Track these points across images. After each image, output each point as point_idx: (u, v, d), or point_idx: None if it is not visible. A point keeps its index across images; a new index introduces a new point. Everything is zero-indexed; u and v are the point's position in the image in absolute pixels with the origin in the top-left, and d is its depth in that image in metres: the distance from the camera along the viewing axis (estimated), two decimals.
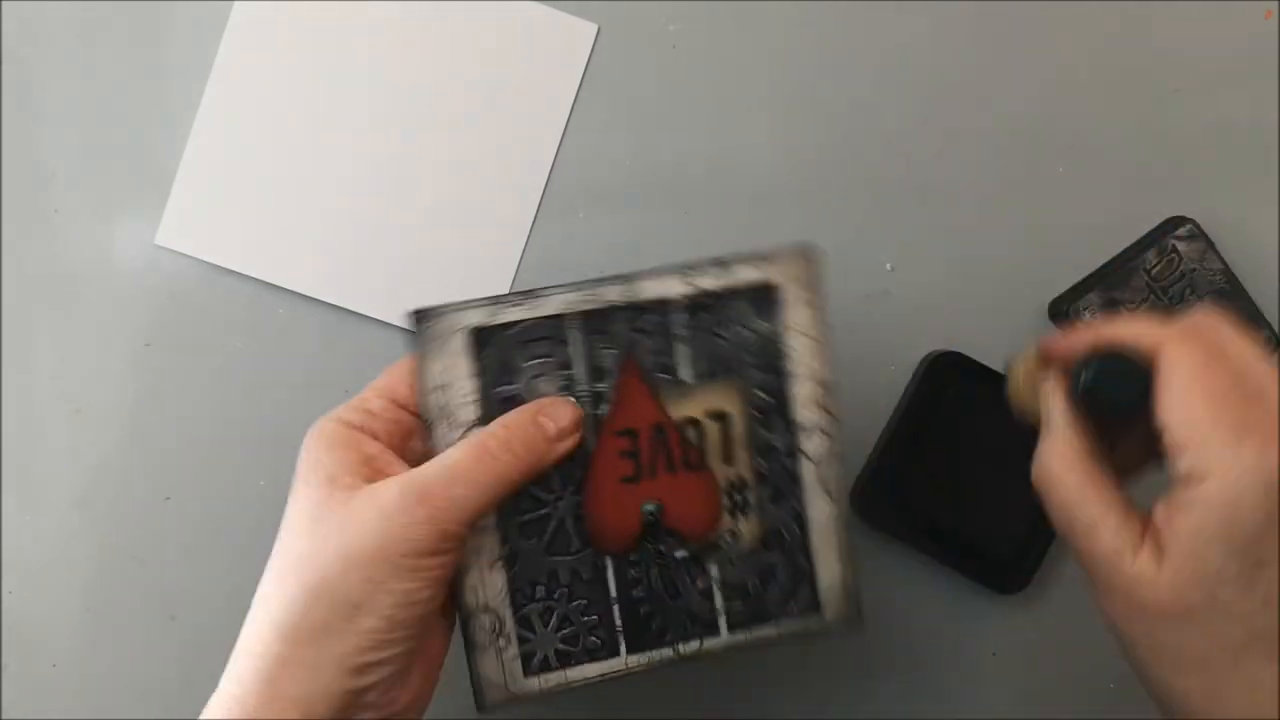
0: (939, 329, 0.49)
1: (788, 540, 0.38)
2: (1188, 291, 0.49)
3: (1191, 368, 0.32)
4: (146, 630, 0.48)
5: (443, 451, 0.35)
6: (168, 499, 0.49)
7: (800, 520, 0.38)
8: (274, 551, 0.35)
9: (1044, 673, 0.50)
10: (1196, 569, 0.31)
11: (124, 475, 0.49)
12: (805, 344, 0.38)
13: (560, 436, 0.36)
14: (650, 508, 0.37)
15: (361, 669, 0.32)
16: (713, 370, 0.37)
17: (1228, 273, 0.49)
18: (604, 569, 0.37)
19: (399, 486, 0.33)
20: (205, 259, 0.49)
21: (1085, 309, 0.49)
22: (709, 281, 0.37)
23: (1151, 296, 0.49)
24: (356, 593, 0.32)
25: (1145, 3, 0.51)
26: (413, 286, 0.49)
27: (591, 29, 0.49)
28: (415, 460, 0.36)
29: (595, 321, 0.36)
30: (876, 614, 0.49)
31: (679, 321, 0.37)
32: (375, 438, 0.36)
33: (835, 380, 0.38)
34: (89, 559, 0.48)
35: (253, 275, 0.49)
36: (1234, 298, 0.49)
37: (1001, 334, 0.50)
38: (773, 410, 0.38)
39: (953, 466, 0.48)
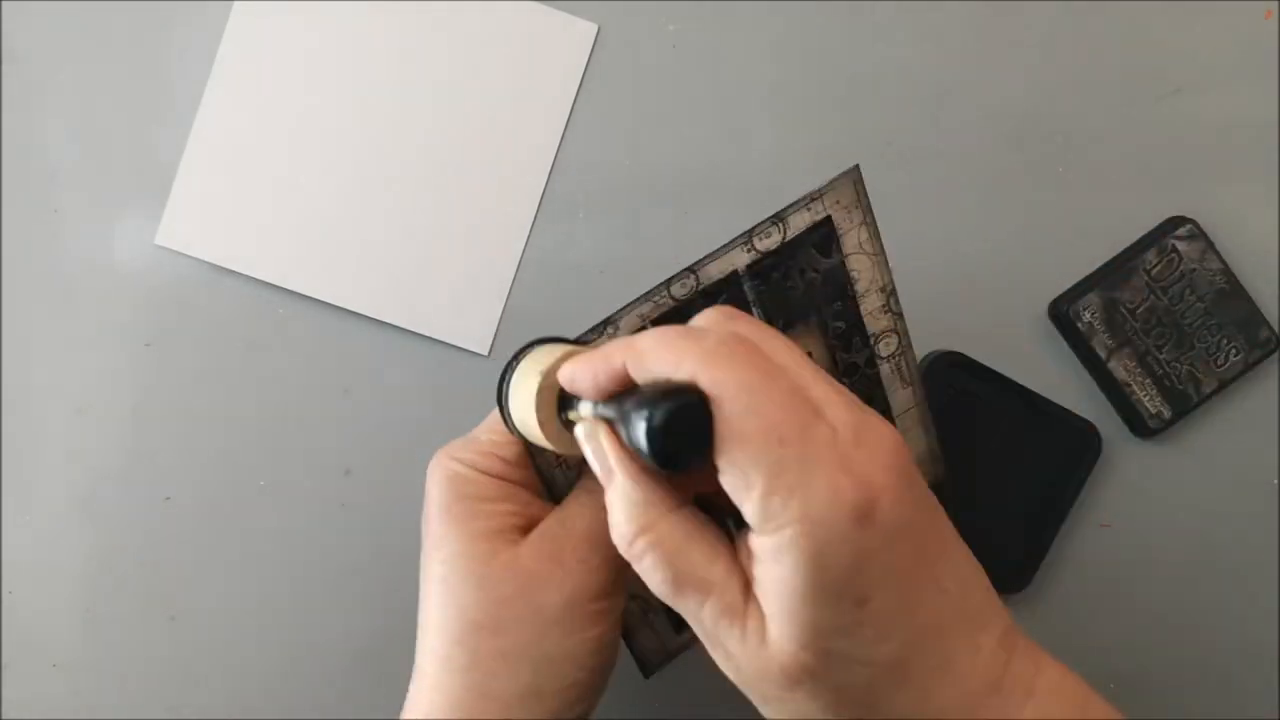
0: (939, 329, 0.49)
1: None
2: (1187, 291, 0.49)
3: (742, 400, 0.27)
4: (146, 630, 0.48)
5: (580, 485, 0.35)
6: (168, 499, 0.49)
7: (887, 413, 0.39)
8: (439, 611, 0.34)
9: None
10: (800, 629, 0.28)
11: (124, 475, 0.49)
12: (865, 261, 0.38)
13: None
14: None
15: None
16: (789, 320, 0.38)
17: (1228, 273, 0.49)
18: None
19: (564, 535, 0.33)
20: (205, 259, 0.49)
21: (1085, 309, 0.49)
22: (769, 241, 0.37)
23: (1151, 296, 0.49)
24: (558, 651, 0.32)
25: (1145, 3, 0.50)
26: (413, 286, 0.49)
27: (591, 29, 0.49)
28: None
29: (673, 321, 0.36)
30: None
31: (749, 288, 0.37)
32: (521, 485, 0.35)
33: (894, 283, 0.38)
34: (89, 559, 0.48)
35: (253, 275, 0.49)
36: (1234, 298, 0.49)
37: (1001, 334, 0.50)
38: (848, 333, 0.38)
39: (953, 466, 0.48)
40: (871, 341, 0.39)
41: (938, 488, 0.36)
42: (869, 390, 0.39)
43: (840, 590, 0.27)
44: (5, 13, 0.49)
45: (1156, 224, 0.50)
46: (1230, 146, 0.51)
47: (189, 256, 0.49)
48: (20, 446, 0.48)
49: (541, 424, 0.31)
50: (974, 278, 0.50)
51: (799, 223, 0.37)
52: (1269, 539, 0.50)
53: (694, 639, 0.37)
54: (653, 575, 0.29)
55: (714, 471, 0.28)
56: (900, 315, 0.39)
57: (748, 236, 0.37)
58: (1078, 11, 0.50)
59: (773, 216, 0.37)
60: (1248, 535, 0.50)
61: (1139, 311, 0.49)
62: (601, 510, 0.33)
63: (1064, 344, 0.50)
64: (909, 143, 0.50)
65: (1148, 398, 0.49)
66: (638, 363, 0.29)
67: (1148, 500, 0.50)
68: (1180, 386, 0.49)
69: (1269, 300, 0.50)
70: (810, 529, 0.27)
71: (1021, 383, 0.49)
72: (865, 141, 0.50)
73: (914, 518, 0.29)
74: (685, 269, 0.36)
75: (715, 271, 0.37)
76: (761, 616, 0.28)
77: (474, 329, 0.49)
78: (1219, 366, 0.49)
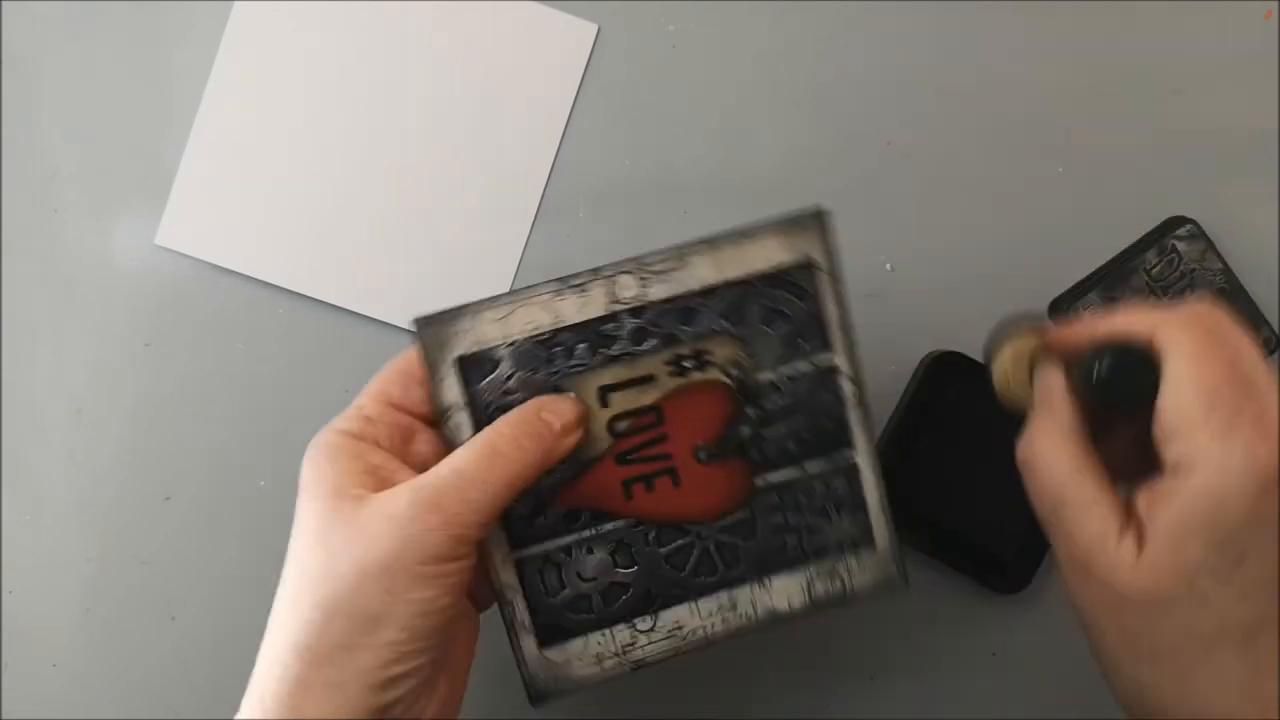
0: (939, 329, 0.49)
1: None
2: (1188, 291, 0.49)
3: (1189, 357, 0.32)
4: (146, 630, 0.48)
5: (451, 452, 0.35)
6: (168, 499, 0.49)
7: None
8: (285, 570, 0.35)
9: (1044, 673, 0.50)
10: (1177, 559, 0.31)
11: (124, 475, 0.49)
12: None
13: (566, 431, 0.35)
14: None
15: (386, 684, 0.32)
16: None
17: (1228, 273, 0.49)
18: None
19: (410, 494, 0.33)
20: (205, 259, 0.49)
21: (1085, 309, 0.49)
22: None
23: (1151, 297, 0.49)
24: (375, 606, 0.32)
25: (1145, 3, 0.51)
26: (413, 286, 0.49)
27: (591, 29, 0.49)
28: (419, 463, 0.35)
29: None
30: (876, 614, 0.49)
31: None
32: (378, 444, 0.35)
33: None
34: (89, 559, 0.48)
35: (253, 275, 0.49)
36: (1234, 298, 0.49)
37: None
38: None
39: (953, 467, 0.48)
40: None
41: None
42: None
43: (1226, 539, 0.31)
44: (5, 13, 0.49)
45: (1156, 224, 0.50)
46: (1230, 146, 0.51)
47: (189, 256, 0.49)
48: (20, 446, 0.48)
49: (1018, 379, 0.37)
50: (974, 278, 0.50)
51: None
52: None
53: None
54: (1042, 486, 0.35)
55: (1125, 433, 0.35)
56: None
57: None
58: (1078, 12, 0.50)
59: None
60: None
61: (1137, 301, 0.49)
62: (457, 475, 0.33)
63: (1055, 321, 0.50)
64: (909, 143, 0.50)
65: None
66: (1118, 320, 0.35)
67: None
68: None
69: (1269, 300, 0.50)
70: (1222, 476, 0.31)
71: None
72: (865, 141, 0.50)
73: None
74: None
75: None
76: (1137, 544, 0.32)
77: None
78: None
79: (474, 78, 0.49)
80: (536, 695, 0.37)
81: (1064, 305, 0.49)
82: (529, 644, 0.37)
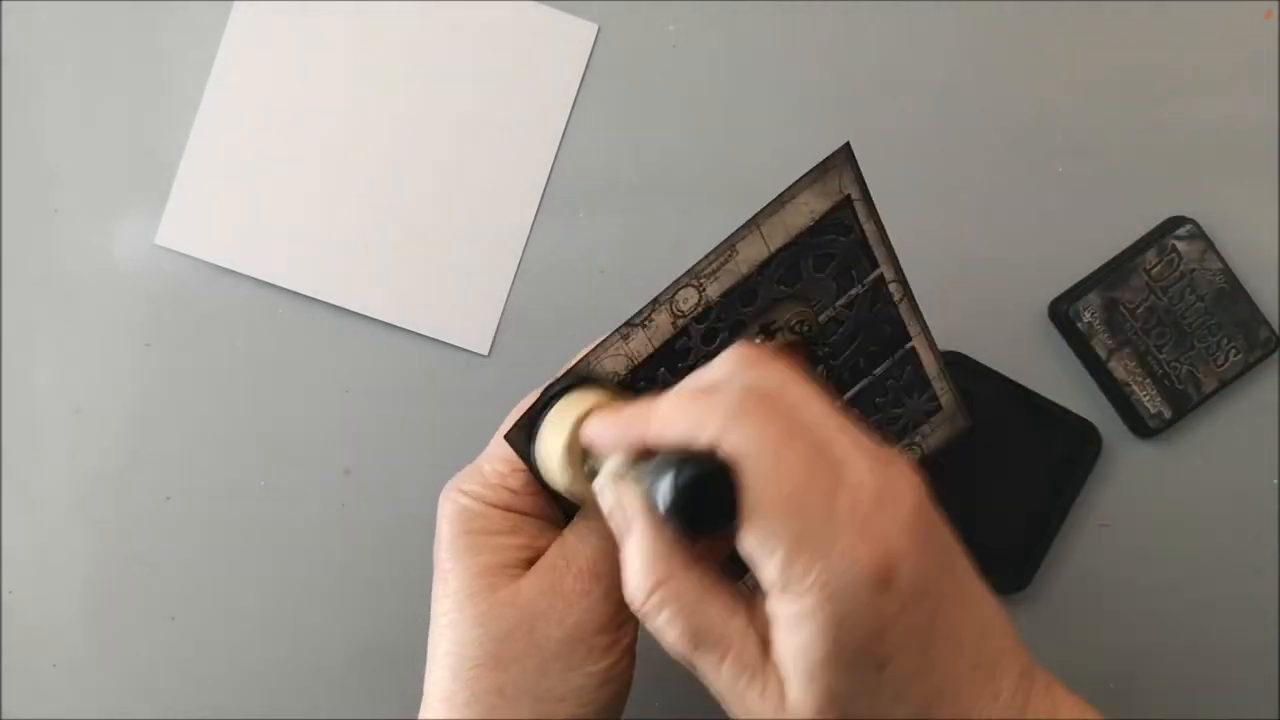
0: (939, 329, 0.49)
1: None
2: (1188, 291, 0.49)
3: (762, 466, 0.27)
4: (146, 630, 0.48)
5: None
6: (168, 499, 0.49)
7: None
8: (441, 649, 0.33)
9: None
10: (819, 694, 0.28)
11: (124, 475, 0.49)
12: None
13: None
14: None
15: None
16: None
17: (1228, 273, 0.49)
18: None
19: (565, 567, 0.33)
20: (205, 259, 0.49)
21: (1085, 309, 0.49)
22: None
23: (1151, 296, 0.49)
24: (559, 686, 0.32)
25: (1145, 3, 0.50)
26: (413, 286, 0.49)
27: (591, 29, 0.49)
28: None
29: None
30: None
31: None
32: (526, 513, 0.35)
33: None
34: (89, 559, 0.48)
35: (253, 275, 0.49)
36: (1234, 298, 0.49)
37: (1001, 334, 0.50)
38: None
39: (953, 466, 0.48)
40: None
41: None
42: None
43: (859, 656, 0.28)
44: (5, 12, 0.49)
45: (1156, 224, 0.50)
46: (1230, 146, 0.51)
47: (189, 256, 0.49)
48: (20, 446, 0.48)
49: (569, 479, 0.32)
50: (974, 278, 0.50)
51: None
52: (1269, 539, 0.50)
53: None
54: (669, 630, 0.29)
55: (730, 536, 0.28)
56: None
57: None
58: (1078, 12, 0.50)
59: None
60: (1248, 535, 0.50)
61: (1139, 311, 0.49)
62: (603, 539, 0.33)
63: (1064, 344, 0.50)
64: (909, 142, 0.50)
65: (1148, 398, 0.49)
66: (659, 429, 0.29)
67: (1148, 500, 0.50)
68: (1180, 386, 0.49)
69: (1269, 300, 0.50)
70: (830, 597, 0.27)
71: (1021, 383, 0.49)
72: (865, 141, 0.50)
73: (934, 575, 0.29)
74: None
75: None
76: (779, 678, 0.28)
77: (474, 329, 0.49)
78: (1219, 366, 0.49)
79: (474, 77, 0.49)
80: None
81: (1064, 305, 0.49)
82: None
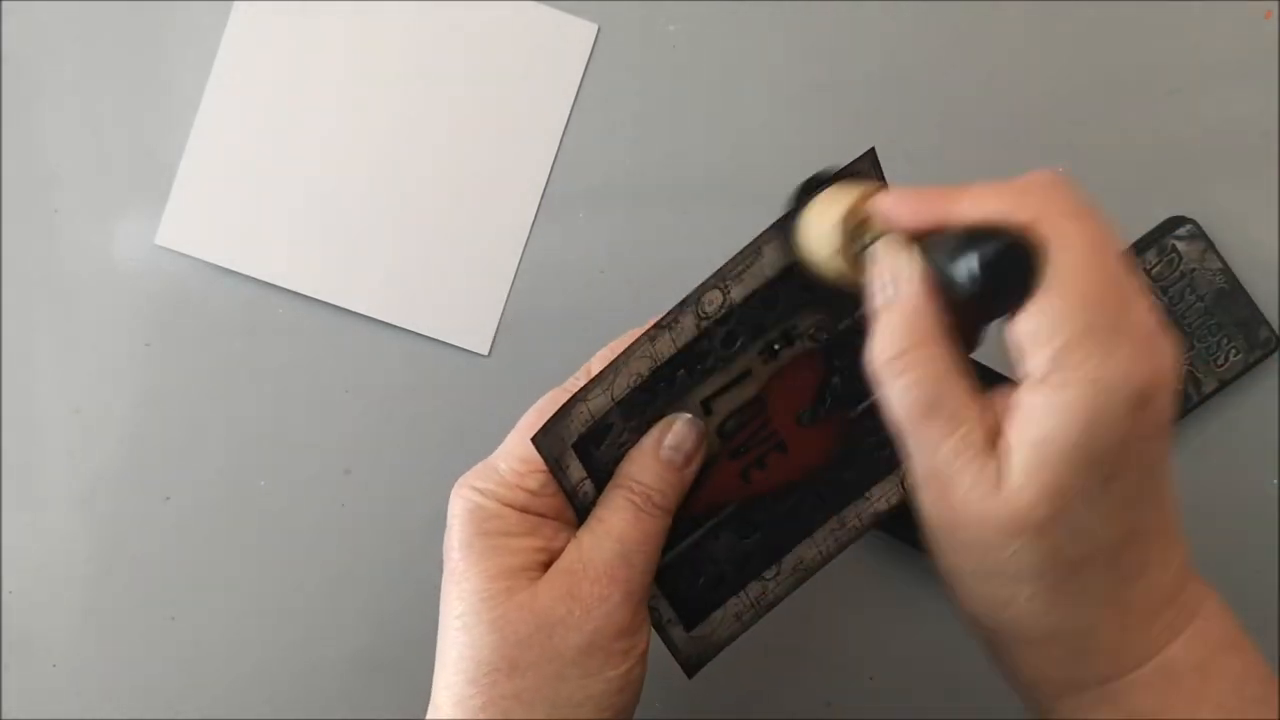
0: None
1: None
2: (1187, 291, 0.49)
3: (1076, 258, 0.28)
4: (146, 630, 0.48)
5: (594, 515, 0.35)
6: (168, 499, 0.49)
7: None
8: (455, 651, 0.33)
9: None
10: (1043, 484, 0.28)
11: (124, 475, 0.49)
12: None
13: (688, 461, 0.35)
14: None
15: None
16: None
17: (1228, 273, 0.49)
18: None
19: (582, 571, 0.33)
20: (205, 259, 0.49)
21: None
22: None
23: (1151, 296, 0.49)
24: (578, 693, 0.32)
25: (1145, 3, 0.50)
26: (413, 286, 0.49)
27: (591, 29, 0.49)
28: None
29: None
30: (876, 614, 0.49)
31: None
32: (542, 515, 0.34)
33: None
34: (89, 559, 0.48)
35: (253, 275, 0.49)
36: (1234, 298, 0.49)
37: (1002, 334, 0.50)
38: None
39: None
40: None
41: None
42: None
43: (1098, 459, 0.28)
44: (5, 12, 0.49)
45: (1156, 224, 0.50)
46: (1230, 146, 0.51)
47: (189, 256, 0.49)
48: (20, 446, 0.48)
49: (840, 249, 0.32)
50: None
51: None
52: (1269, 539, 0.50)
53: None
54: (908, 394, 0.30)
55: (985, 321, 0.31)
56: None
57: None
58: (1078, 12, 0.50)
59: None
60: (1248, 535, 0.50)
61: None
62: (617, 541, 0.33)
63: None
64: (909, 142, 0.50)
65: None
66: (972, 204, 0.30)
67: None
68: (1180, 386, 0.49)
69: (1269, 300, 0.50)
70: (1096, 393, 0.28)
71: None
72: (865, 141, 0.50)
73: (1170, 421, 0.30)
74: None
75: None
76: (1001, 466, 0.29)
77: (474, 329, 0.49)
78: (1219, 366, 0.49)
79: (474, 77, 0.49)
80: (692, 669, 0.38)
81: None
82: (678, 633, 0.38)
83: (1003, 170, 0.50)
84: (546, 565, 0.34)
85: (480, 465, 0.35)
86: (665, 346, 0.35)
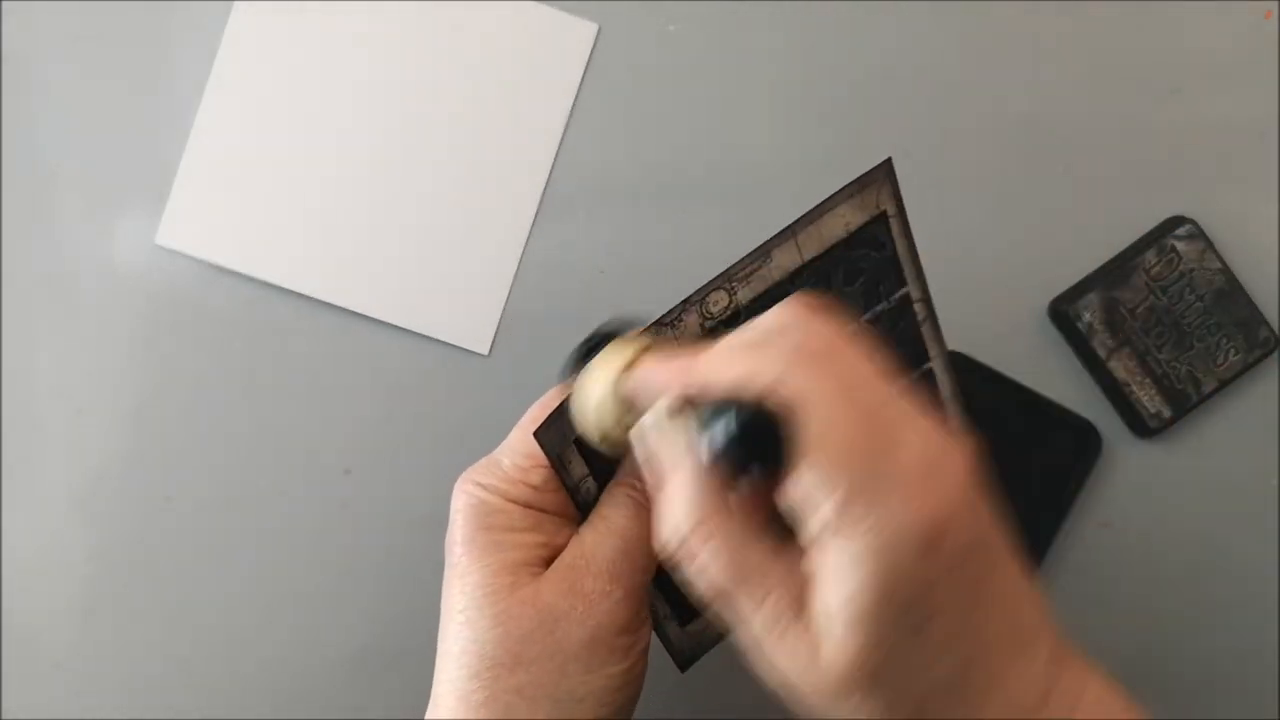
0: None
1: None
2: (1187, 291, 0.49)
3: (822, 413, 0.27)
4: (146, 630, 0.48)
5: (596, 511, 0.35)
6: (168, 499, 0.49)
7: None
8: (457, 646, 0.33)
9: None
10: (859, 643, 0.27)
11: (124, 475, 0.49)
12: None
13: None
14: None
15: None
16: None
17: (1228, 273, 0.49)
18: None
19: (585, 567, 0.33)
20: (205, 259, 0.49)
21: (1085, 309, 0.49)
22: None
23: (1151, 296, 0.49)
24: (579, 689, 0.32)
25: (1145, 3, 0.50)
26: (413, 286, 0.49)
27: (591, 29, 0.49)
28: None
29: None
30: None
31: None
32: (545, 510, 0.34)
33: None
34: (89, 559, 0.48)
35: (253, 275, 0.49)
36: (1233, 298, 0.49)
37: (1001, 334, 0.50)
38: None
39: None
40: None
41: None
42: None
43: (903, 611, 0.27)
44: (5, 12, 0.49)
45: (1156, 224, 0.50)
46: (1230, 146, 0.51)
47: (189, 256, 0.49)
48: (20, 446, 0.48)
49: (610, 424, 0.32)
50: (974, 278, 0.50)
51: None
52: (1269, 539, 0.50)
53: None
54: (713, 564, 0.29)
55: (770, 487, 0.28)
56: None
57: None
58: (1078, 12, 0.50)
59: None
60: (1248, 535, 0.50)
61: (1139, 311, 0.49)
62: (620, 538, 0.33)
63: (1064, 344, 0.50)
64: (909, 143, 0.50)
65: (1147, 397, 0.49)
66: (713, 372, 0.29)
67: (1148, 500, 0.50)
68: (1180, 386, 0.49)
69: (1269, 300, 0.50)
70: (882, 547, 0.27)
71: (1021, 383, 0.49)
72: (865, 141, 0.50)
73: (978, 543, 0.29)
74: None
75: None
76: (815, 632, 0.28)
77: (474, 329, 0.49)
78: (1219, 366, 0.49)
79: (474, 77, 0.49)
80: (685, 663, 0.38)
81: (1064, 305, 0.49)
82: (673, 628, 0.38)
83: (1001, 170, 0.50)
84: (549, 561, 0.34)
85: (483, 461, 0.35)
86: (667, 345, 0.35)
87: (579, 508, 0.36)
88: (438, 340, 0.49)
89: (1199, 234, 0.49)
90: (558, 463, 0.34)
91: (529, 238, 0.49)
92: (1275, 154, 0.51)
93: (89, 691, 0.48)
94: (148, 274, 0.49)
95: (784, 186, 0.50)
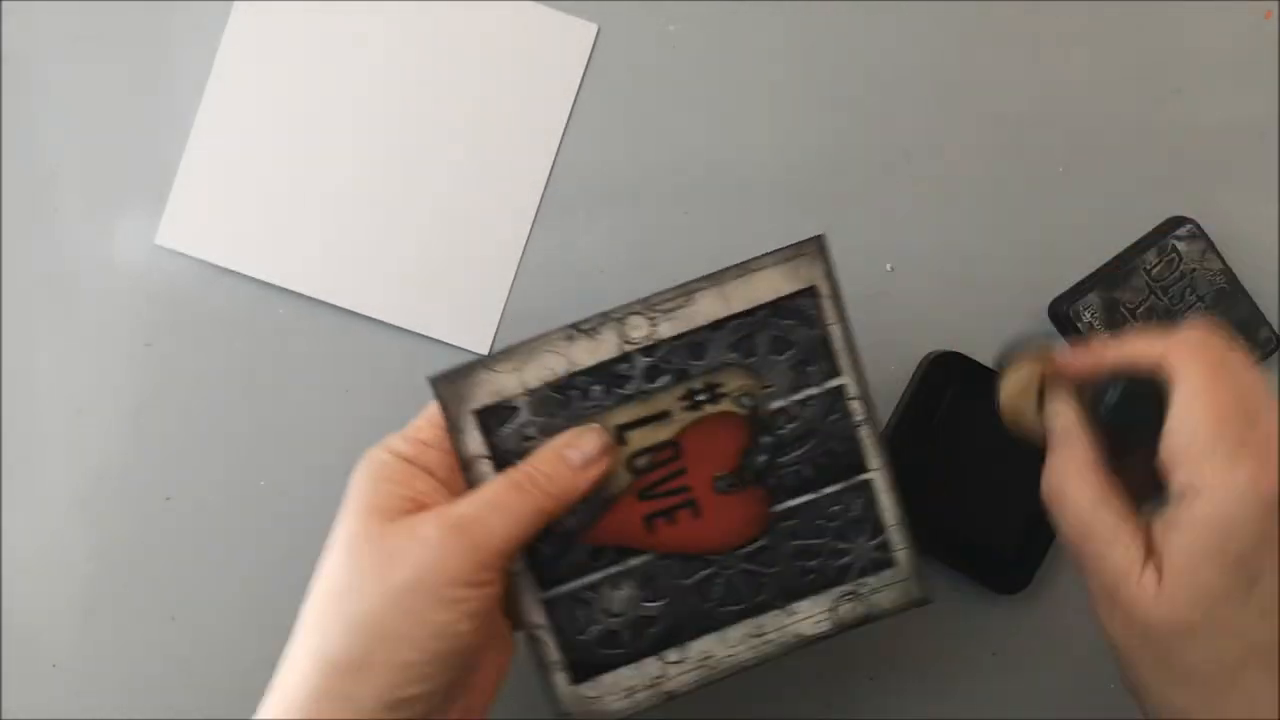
0: (939, 329, 0.49)
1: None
2: (1188, 291, 0.49)
3: (1197, 385, 0.33)
4: (146, 630, 0.48)
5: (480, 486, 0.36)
6: (168, 499, 0.49)
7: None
8: (316, 578, 0.35)
9: (1044, 673, 0.50)
10: (1194, 587, 0.32)
11: (124, 475, 0.49)
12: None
13: (586, 465, 0.36)
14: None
15: (398, 703, 0.33)
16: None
17: (1228, 273, 0.49)
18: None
19: (437, 519, 0.34)
20: (205, 259, 0.49)
21: (1085, 309, 0.49)
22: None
23: (1151, 296, 0.49)
24: (396, 626, 0.33)
25: (1145, 3, 0.51)
26: (413, 286, 0.49)
27: (591, 29, 0.49)
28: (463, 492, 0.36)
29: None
30: None
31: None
32: (429, 471, 0.36)
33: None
34: (89, 559, 0.48)
35: (253, 275, 0.49)
36: (1234, 298, 0.49)
37: (1001, 334, 0.49)
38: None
39: (953, 466, 0.48)
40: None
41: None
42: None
43: (1238, 563, 0.32)
44: (5, 12, 0.49)
45: (1156, 224, 0.50)
46: (1230, 146, 0.51)
47: (189, 256, 0.49)
48: (20, 446, 0.48)
49: (1033, 409, 0.38)
50: (974, 278, 0.50)
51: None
52: None
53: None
54: (1065, 520, 0.36)
55: (1137, 457, 0.35)
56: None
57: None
58: (1079, 12, 0.50)
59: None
60: None
61: (1139, 311, 0.49)
62: (487, 505, 0.34)
63: (1064, 344, 0.50)
64: (909, 143, 0.50)
65: None
66: (1121, 347, 0.36)
67: None
68: None
69: (1269, 300, 0.50)
70: (1227, 504, 0.32)
71: None
72: (865, 141, 0.50)
73: None
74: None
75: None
76: (1159, 572, 0.33)
77: (474, 329, 0.49)
78: None
79: (474, 78, 0.49)
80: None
81: (1064, 305, 0.49)
82: (561, 681, 0.38)
83: (1001, 171, 0.50)
84: (415, 511, 0.35)
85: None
86: (583, 354, 0.36)
87: (469, 485, 0.36)
88: (438, 340, 0.49)
89: (1199, 234, 0.49)
90: (451, 422, 0.36)
91: (529, 238, 0.49)
92: (1275, 154, 0.51)
93: (89, 691, 0.48)
94: (148, 274, 0.49)
95: (784, 186, 0.50)
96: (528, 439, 0.37)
